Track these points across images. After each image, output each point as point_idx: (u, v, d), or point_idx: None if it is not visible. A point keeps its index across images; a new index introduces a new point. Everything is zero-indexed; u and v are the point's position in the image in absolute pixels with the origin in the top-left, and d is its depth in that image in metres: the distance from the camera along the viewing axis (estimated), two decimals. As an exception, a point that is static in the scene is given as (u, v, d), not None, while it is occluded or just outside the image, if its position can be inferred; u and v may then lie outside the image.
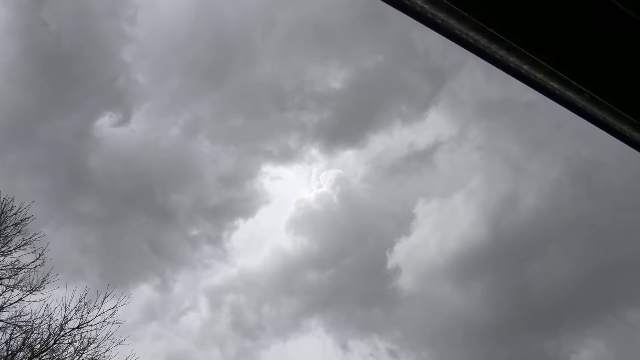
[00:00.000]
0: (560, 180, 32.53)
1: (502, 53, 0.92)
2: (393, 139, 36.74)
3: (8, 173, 23.24)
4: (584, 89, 0.96)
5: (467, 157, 37.00)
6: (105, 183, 29.05)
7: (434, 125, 35.81)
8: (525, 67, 0.94)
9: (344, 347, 33.56)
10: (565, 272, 31.05)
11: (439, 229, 36.76)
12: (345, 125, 35.99)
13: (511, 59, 0.92)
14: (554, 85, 0.97)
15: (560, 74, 0.93)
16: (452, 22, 0.87)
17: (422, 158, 37.00)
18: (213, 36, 31.72)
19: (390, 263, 34.49)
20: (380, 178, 38.18)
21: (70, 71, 28.47)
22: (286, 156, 37.74)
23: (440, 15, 0.86)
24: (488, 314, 32.51)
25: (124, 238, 28.78)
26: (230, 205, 34.65)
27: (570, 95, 0.98)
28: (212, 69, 32.89)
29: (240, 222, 37.56)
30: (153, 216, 31.45)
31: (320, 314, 35.07)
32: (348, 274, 36.32)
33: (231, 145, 36.28)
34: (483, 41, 0.92)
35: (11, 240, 15.90)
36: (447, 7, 0.84)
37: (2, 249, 15.64)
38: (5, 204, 16.12)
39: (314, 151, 38.27)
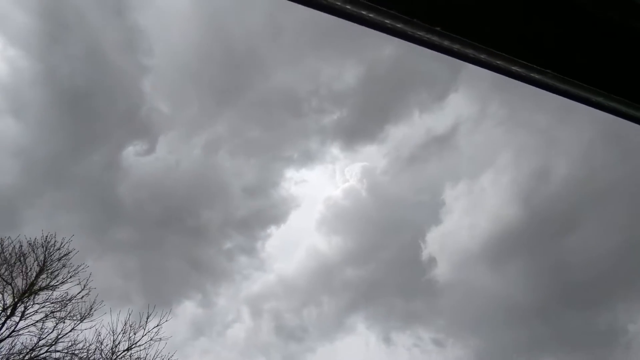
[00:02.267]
0: (592, 143, 31.43)
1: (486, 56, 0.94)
2: (412, 128, 36.64)
3: (49, 212, 24.73)
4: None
5: (490, 135, 36.36)
6: (136, 210, 30.37)
7: (453, 110, 35.50)
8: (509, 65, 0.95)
9: (387, 341, 33.62)
10: (606, 241, 29.95)
11: (470, 213, 36.23)
12: (363, 121, 36.16)
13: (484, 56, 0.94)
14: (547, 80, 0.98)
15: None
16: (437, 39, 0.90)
17: (441, 142, 36.67)
18: (224, 56, 32.61)
19: (425, 254, 34.24)
20: (404, 168, 38.02)
21: (95, 107, 29.93)
22: (307, 159, 38.28)
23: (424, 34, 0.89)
24: (529, 294, 31.79)
25: (162, 259, 29.93)
26: (260, 214, 35.38)
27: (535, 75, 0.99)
28: (226, 87, 33.79)
29: (272, 229, 38.25)
30: (187, 235, 32.53)
31: (362, 309, 35.19)
32: (385, 267, 36.34)
33: (252, 157, 37.04)
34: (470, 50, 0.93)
35: (58, 274, 16.98)
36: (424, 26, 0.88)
37: (51, 284, 16.72)
38: (48, 241, 17.23)
39: (335, 150, 38.53)
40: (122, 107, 30.82)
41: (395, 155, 37.64)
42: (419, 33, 0.88)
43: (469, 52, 0.92)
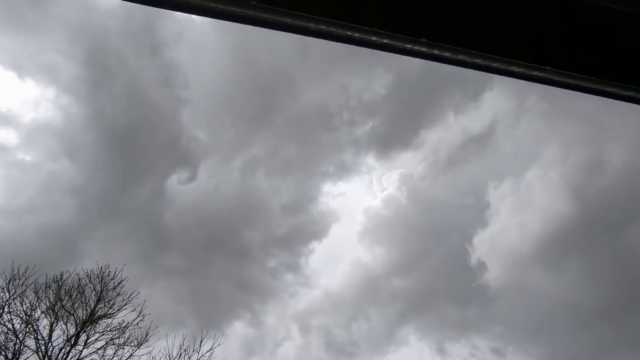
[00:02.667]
0: (645, 129, 29.34)
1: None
2: (448, 131, 35.93)
3: (103, 245, 26.30)
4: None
5: (531, 129, 34.89)
6: (183, 236, 31.57)
7: (489, 108, 34.55)
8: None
9: (441, 352, 32.47)
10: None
11: (518, 212, 34.69)
12: (397, 128, 35.92)
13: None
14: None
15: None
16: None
17: (480, 142, 35.62)
18: (254, 81, 33.76)
19: (473, 258, 33.05)
20: (443, 172, 37.18)
21: (139, 142, 31.80)
22: (343, 171, 38.36)
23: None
24: (591, 294, 29.77)
25: (210, 282, 30.84)
26: (301, 230, 35.74)
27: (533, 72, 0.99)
28: (259, 110, 34.86)
29: (314, 245, 38.45)
30: (231, 256, 33.38)
31: (412, 320, 34.35)
32: (433, 275, 35.37)
33: (288, 174, 37.66)
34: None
35: (114, 303, 18.00)
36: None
37: (108, 312, 17.73)
38: (104, 272, 18.35)
39: (370, 160, 38.41)
40: (163, 140, 32.55)
41: (432, 159, 36.96)
42: (406, 46, 0.89)
43: (462, 57, 0.91)
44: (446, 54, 0.91)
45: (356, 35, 0.86)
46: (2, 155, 28.13)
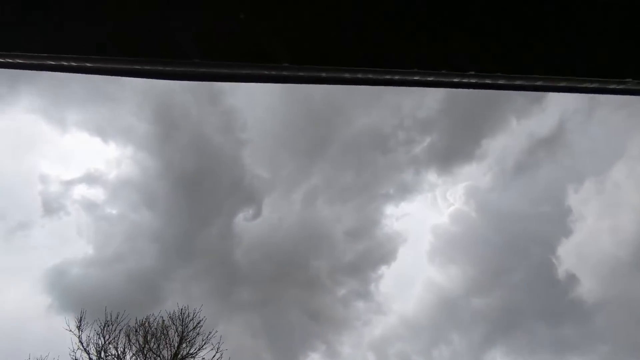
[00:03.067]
0: None
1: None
2: (512, 137, 34.28)
3: (181, 285, 28.28)
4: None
5: (609, 123, 32.21)
6: (252, 271, 32.93)
7: (556, 108, 32.62)
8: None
9: (536, 376, 29.86)
10: None
11: (606, 214, 31.71)
12: (456, 141, 35.04)
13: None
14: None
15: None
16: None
17: (549, 144, 33.45)
18: (306, 114, 35.11)
19: (561, 271, 30.55)
20: (512, 180, 35.27)
21: (206, 186, 34.18)
22: (405, 191, 37.96)
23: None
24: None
25: (282, 314, 31.60)
26: (367, 256, 35.58)
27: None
28: (314, 142, 35.99)
29: (383, 269, 37.98)
30: (301, 287, 34.02)
31: (500, 343, 32.19)
32: (517, 291, 33.09)
33: (348, 201, 38.03)
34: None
35: (195, 342, 19.25)
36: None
37: (190, 352, 19.00)
38: (184, 313, 19.76)
39: (431, 177, 37.63)
40: (228, 181, 34.68)
41: (498, 168, 35.41)
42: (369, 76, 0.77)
43: (412, 78, 0.79)
44: (396, 77, 0.80)
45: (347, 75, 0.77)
46: (93, 210, 31.75)
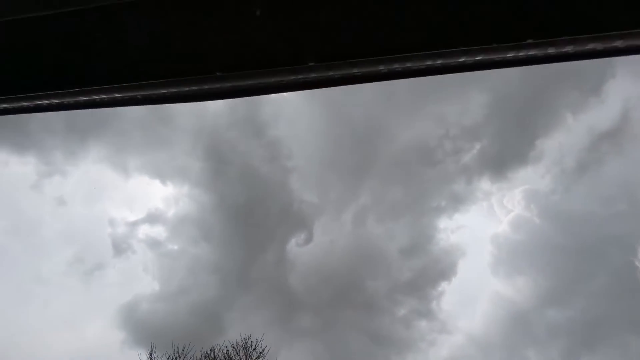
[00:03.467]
0: None
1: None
2: (570, 134, 32.30)
3: (241, 315, 28.73)
4: None
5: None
6: (309, 296, 32.83)
7: (616, 97, 30.48)
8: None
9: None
10: None
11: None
12: (508, 145, 33.55)
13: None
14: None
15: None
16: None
17: (613, 137, 31.09)
18: (349, 134, 35.36)
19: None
20: (575, 180, 32.99)
21: (257, 215, 35.00)
22: (457, 202, 36.55)
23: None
24: None
25: (344, 338, 31.04)
26: (425, 273, 34.39)
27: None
28: (359, 161, 36.02)
29: (443, 285, 36.39)
30: (359, 309, 33.38)
31: (585, 358, 29.43)
32: (598, 300, 30.27)
33: (400, 218, 37.27)
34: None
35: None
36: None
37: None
38: (246, 342, 20.01)
39: (485, 185, 36.03)
40: (278, 208, 35.32)
41: (558, 169, 33.30)
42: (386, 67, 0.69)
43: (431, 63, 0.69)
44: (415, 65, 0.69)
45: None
46: (156, 248, 33.51)
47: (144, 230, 36.24)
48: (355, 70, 0.70)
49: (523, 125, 32.89)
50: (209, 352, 19.63)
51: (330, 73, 0.71)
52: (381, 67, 0.69)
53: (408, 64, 0.69)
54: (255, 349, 19.76)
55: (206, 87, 0.74)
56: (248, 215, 34.51)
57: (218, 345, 19.95)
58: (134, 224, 33.98)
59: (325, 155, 36.27)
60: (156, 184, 39.90)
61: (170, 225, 34.69)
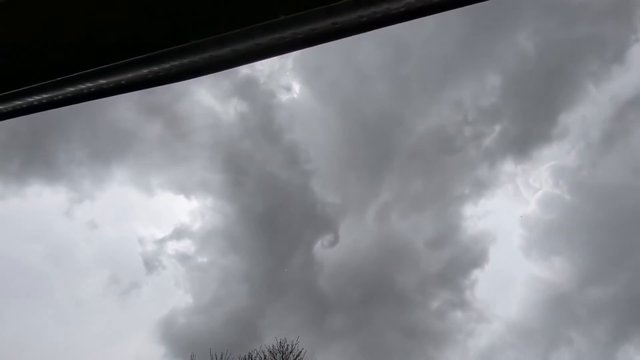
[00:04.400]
0: None
1: None
2: (592, 106, 31.24)
3: (275, 321, 28.88)
4: None
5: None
6: (339, 296, 32.76)
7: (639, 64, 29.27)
8: None
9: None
10: None
11: None
12: (529, 124, 32.76)
13: None
14: None
15: None
16: None
17: (637, 104, 29.87)
18: (365, 132, 35.17)
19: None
20: (602, 152, 31.83)
21: (281, 221, 35.20)
22: (482, 188, 35.87)
23: None
24: None
25: (378, 336, 30.83)
26: (455, 263, 33.82)
27: None
28: (378, 157, 35.79)
29: (476, 273, 35.87)
30: (391, 306, 33.09)
31: (634, 335, 28.23)
32: None
33: (423, 210, 36.79)
34: None
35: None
36: None
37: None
38: (282, 346, 20.11)
39: (508, 167, 35.31)
40: (301, 212, 35.44)
41: (584, 143, 32.23)
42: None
43: None
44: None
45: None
46: (186, 262, 34.14)
47: (173, 246, 36.96)
48: (332, 21, 0.68)
49: (542, 102, 32.05)
50: (247, 358, 19.84)
51: (307, 27, 0.69)
52: (359, 13, 0.66)
53: (385, 5, 0.66)
54: (292, 351, 19.86)
55: (186, 60, 0.73)
56: (273, 222, 34.77)
57: (255, 351, 20.15)
58: (163, 241, 34.77)
59: (343, 155, 36.21)
60: (180, 199, 40.77)
61: (197, 238, 35.30)
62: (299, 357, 19.79)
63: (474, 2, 0.70)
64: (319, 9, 0.64)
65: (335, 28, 0.69)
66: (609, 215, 31.21)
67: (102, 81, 0.79)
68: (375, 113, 34.87)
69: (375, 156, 36.16)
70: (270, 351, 20.04)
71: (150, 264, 34.03)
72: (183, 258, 33.92)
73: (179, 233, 35.57)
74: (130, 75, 0.75)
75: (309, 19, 0.66)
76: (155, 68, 0.75)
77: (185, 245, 37.45)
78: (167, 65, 0.74)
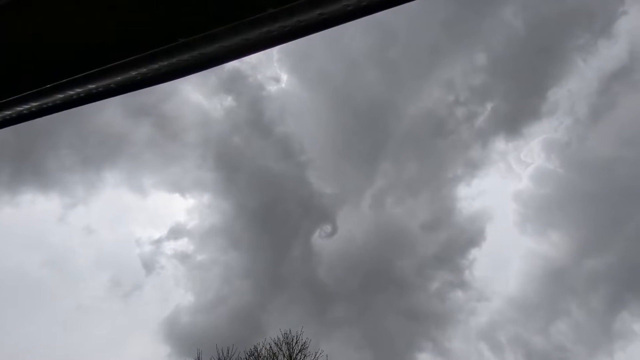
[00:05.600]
0: None
1: None
2: (581, 80, 31.42)
3: (278, 314, 29.08)
4: None
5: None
6: (340, 286, 32.98)
7: (628, 36, 29.40)
8: None
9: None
10: None
11: None
12: (519, 101, 32.88)
13: None
14: None
15: None
16: None
17: (623, 76, 30.10)
18: (357, 120, 35.12)
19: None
20: (590, 126, 32.09)
21: (278, 215, 35.19)
22: (474, 168, 36.09)
23: None
24: None
25: (381, 322, 31.17)
26: (452, 244, 34.15)
27: None
28: (370, 145, 35.79)
29: (474, 252, 36.28)
30: (391, 291, 33.41)
31: (630, 304, 28.78)
32: (639, 242, 29.60)
33: (418, 194, 36.97)
34: None
35: (304, 364, 19.61)
36: None
37: (301, 374, 19.35)
38: (288, 337, 20.28)
39: (499, 144, 35.56)
40: (297, 204, 35.47)
41: (572, 119, 32.47)
42: None
43: None
44: None
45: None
46: (186, 261, 34.13)
47: (171, 246, 36.95)
48: (318, 12, 0.67)
49: (529, 80, 32.12)
50: (253, 351, 20.00)
51: (295, 19, 0.69)
52: (344, 2, 0.66)
53: None
54: (297, 342, 20.04)
55: (174, 60, 0.73)
56: (270, 216, 34.78)
57: (261, 343, 20.31)
58: (160, 241, 34.70)
59: (336, 143, 36.17)
60: (176, 198, 40.60)
61: (195, 236, 35.26)
62: (305, 347, 19.99)
63: None
64: (304, 0, 0.64)
65: (322, 19, 0.68)
66: (602, 187, 31.59)
67: (91, 86, 0.78)
68: (365, 101, 34.81)
69: (367, 144, 36.20)
70: (275, 343, 20.22)
71: (149, 265, 34.01)
72: (182, 257, 33.92)
73: (176, 233, 35.52)
74: (119, 78, 0.75)
75: (295, 11, 0.66)
76: (144, 70, 0.75)
77: (183, 244, 37.45)
78: (156, 66, 0.74)
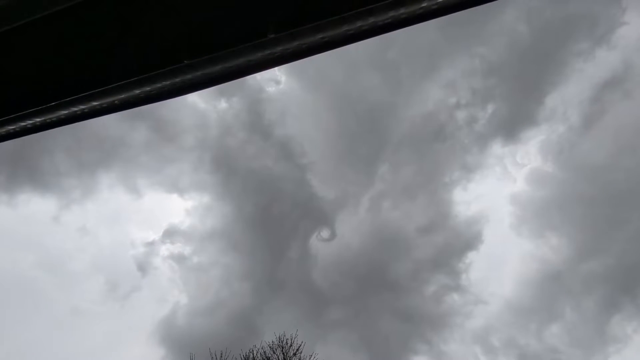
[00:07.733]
0: None
1: None
2: (578, 86, 31.68)
3: (275, 317, 28.98)
4: None
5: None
6: (336, 288, 32.93)
7: (625, 46, 29.69)
8: None
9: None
10: None
11: None
12: (517, 104, 33.07)
13: None
14: None
15: None
16: None
17: (616, 84, 30.36)
18: (358, 123, 35.19)
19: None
20: (583, 134, 32.32)
21: (277, 216, 35.17)
22: (470, 172, 36.15)
23: None
24: None
25: (376, 325, 31.16)
26: (448, 248, 34.21)
27: None
28: (370, 147, 35.86)
29: (471, 255, 36.19)
30: (387, 294, 33.40)
31: (626, 307, 28.89)
32: (636, 244, 29.63)
33: (414, 197, 37.01)
34: None
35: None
36: None
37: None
38: (282, 341, 20.22)
39: (496, 148, 35.57)
40: (297, 206, 35.43)
41: (566, 126, 32.64)
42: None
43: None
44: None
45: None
46: (182, 262, 34.01)
47: (168, 248, 36.75)
48: (320, 36, 0.70)
49: (529, 84, 32.32)
50: (247, 355, 19.91)
51: (296, 43, 0.71)
52: (345, 28, 0.68)
53: (371, 19, 0.67)
54: (291, 345, 19.98)
55: (178, 79, 0.76)
56: (268, 218, 34.72)
57: (255, 346, 20.23)
58: (157, 243, 34.53)
59: (336, 146, 36.16)
60: (173, 199, 40.39)
61: (191, 238, 35.12)
62: (299, 351, 19.94)
63: (454, 10, 0.72)
64: (307, 26, 0.66)
65: (324, 41, 0.70)
66: (600, 192, 31.70)
67: (95, 103, 0.80)
68: (365, 103, 34.89)
69: (366, 145, 36.24)
70: (270, 347, 20.15)
71: (146, 267, 33.86)
72: (178, 258, 33.78)
73: (172, 234, 35.41)
74: (123, 95, 0.77)
75: (298, 36, 0.69)
76: (148, 88, 0.77)
77: (180, 246, 37.26)
78: (159, 85, 0.76)
